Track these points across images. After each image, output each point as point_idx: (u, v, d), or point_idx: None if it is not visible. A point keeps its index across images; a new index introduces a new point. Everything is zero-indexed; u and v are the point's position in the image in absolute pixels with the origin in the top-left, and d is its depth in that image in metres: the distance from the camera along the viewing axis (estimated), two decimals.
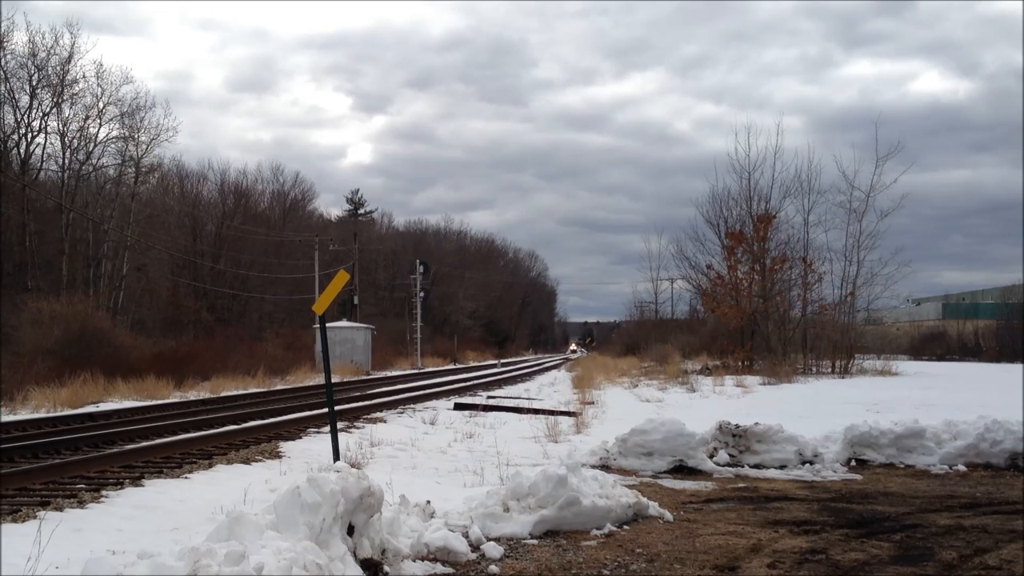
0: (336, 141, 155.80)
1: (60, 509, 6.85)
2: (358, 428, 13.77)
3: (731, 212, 36.74)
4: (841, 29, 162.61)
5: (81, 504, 7.12)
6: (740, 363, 32.47)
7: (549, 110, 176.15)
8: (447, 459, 10.43)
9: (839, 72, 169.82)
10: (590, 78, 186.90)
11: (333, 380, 9.39)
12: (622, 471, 8.86)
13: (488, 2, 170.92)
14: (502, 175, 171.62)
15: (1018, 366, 33.31)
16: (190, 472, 8.92)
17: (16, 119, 36.54)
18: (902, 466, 9.32)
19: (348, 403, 17.69)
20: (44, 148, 38.32)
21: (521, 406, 17.68)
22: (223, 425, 13.74)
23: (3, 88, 35.59)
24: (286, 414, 15.38)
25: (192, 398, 20.82)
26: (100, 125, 38.69)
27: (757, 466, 9.11)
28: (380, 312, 65.17)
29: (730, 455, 9.28)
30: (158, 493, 7.77)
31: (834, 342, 30.28)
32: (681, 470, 8.92)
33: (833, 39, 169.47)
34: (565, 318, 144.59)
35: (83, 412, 16.25)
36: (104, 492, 7.65)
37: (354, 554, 4.74)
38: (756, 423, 9.58)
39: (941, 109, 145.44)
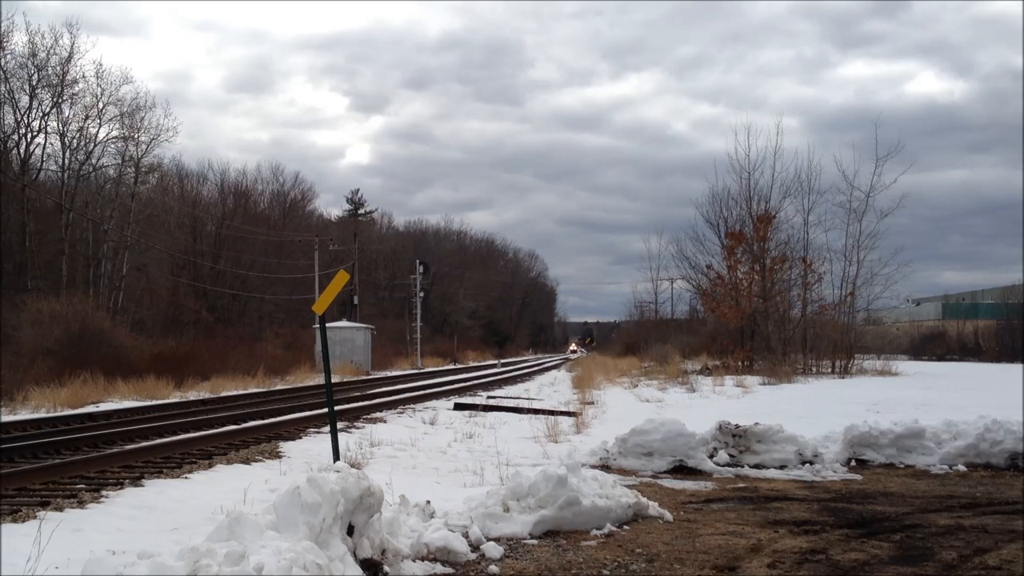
0: (334, 141, 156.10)
1: (60, 509, 6.84)
2: (358, 428, 13.77)
3: (731, 212, 36.75)
4: (836, 30, 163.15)
5: (81, 504, 7.11)
6: (740, 363, 32.46)
7: (546, 110, 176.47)
8: (447, 459, 10.42)
9: (835, 73, 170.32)
10: (587, 79, 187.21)
11: (333, 380, 9.39)
12: (622, 471, 8.86)
13: (484, 3, 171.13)
14: (500, 175, 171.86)
15: (1018, 366, 33.30)
16: (190, 472, 8.92)
17: (16, 119, 36.61)
18: (902, 466, 9.32)
19: (348, 403, 17.68)
20: (44, 148, 38.43)
21: (521, 406, 17.67)
22: (223, 425, 13.73)
23: (3, 88, 35.63)
24: (286, 414, 15.38)
25: (192, 398, 20.81)
26: (100, 125, 38.80)
27: (757, 466, 9.11)
28: (380, 312, 65.19)
29: (730, 455, 9.28)
30: (158, 493, 7.77)
31: (834, 342, 30.27)
32: (681, 470, 8.92)
33: (829, 40, 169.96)
34: (565, 318, 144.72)
35: (83, 412, 16.24)
36: (104, 492, 7.64)
37: (354, 554, 4.74)
38: (756, 423, 9.58)
39: (937, 110, 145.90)
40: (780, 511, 6.87)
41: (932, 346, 54.83)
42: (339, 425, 10.62)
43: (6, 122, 36.24)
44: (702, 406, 16.83)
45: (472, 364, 56.59)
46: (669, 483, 8.30)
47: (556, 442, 11.57)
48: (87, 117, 38.27)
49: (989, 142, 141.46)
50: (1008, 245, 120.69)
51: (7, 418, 14.75)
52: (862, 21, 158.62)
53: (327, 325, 9.97)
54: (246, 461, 9.83)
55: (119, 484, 8.10)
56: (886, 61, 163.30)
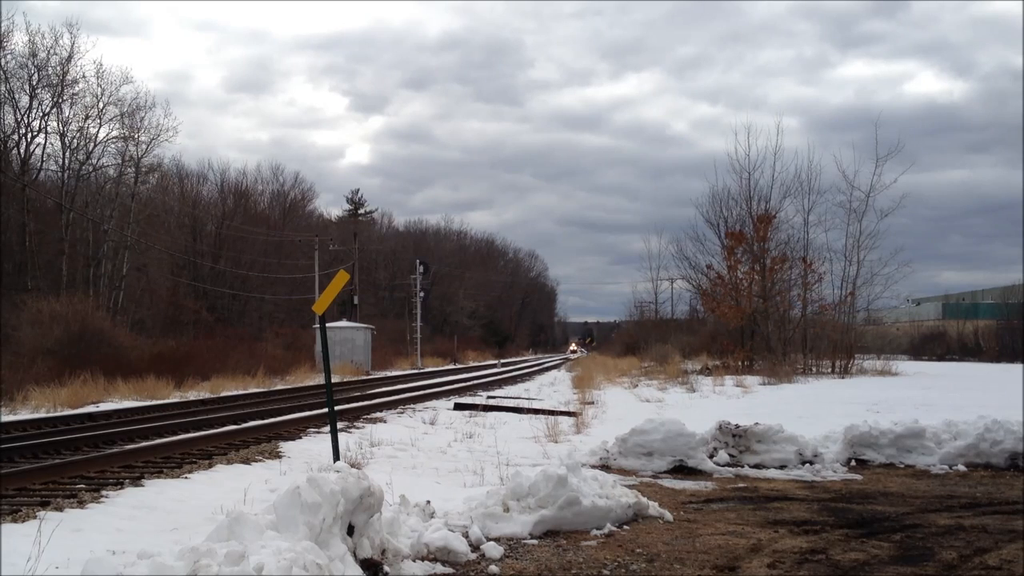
0: (334, 141, 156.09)
1: (60, 509, 6.84)
2: (358, 428, 13.77)
3: (731, 212, 36.76)
4: (836, 30, 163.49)
5: (81, 504, 7.11)
6: (740, 363, 32.46)
7: (545, 111, 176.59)
8: (447, 459, 10.42)
9: (835, 73, 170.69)
10: (586, 79, 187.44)
11: (333, 380, 9.39)
12: (622, 471, 8.86)
13: (484, 3, 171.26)
14: (500, 175, 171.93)
15: (1018, 366, 33.30)
16: (190, 472, 8.92)
17: (16, 119, 36.60)
18: (902, 466, 9.32)
19: (348, 403, 17.68)
20: (44, 148, 38.41)
21: (521, 406, 17.67)
22: (223, 425, 13.73)
23: (3, 88, 35.61)
24: (286, 414, 15.38)
25: (192, 398, 20.81)
26: (100, 125, 38.80)
27: (757, 466, 9.11)
28: (380, 312, 65.18)
29: (730, 455, 9.28)
30: (158, 493, 7.77)
31: (834, 342, 30.27)
32: (681, 470, 8.92)
33: (828, 40, 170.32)
34: (565, 318, 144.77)
35: (83, 412, 16.24)
36: (104, 492, 7.64)
37: (354, 554, 4.74)
38: (756, 423, 9.58)
39: (937, 110, 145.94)
40: (780, 511, 6.87)
41: (932, 346, 54.83)
42: (339, 425, 10.62)
43: (6, 122, 36.31)
44: (702, 406, 16.83)
45: (472, 364, 56.58)
46: (669, 483, 8.30)
47: (556, 442, 11.57)
48: (87, 117, 38.31)
49: (989, 142, 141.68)
50: (1008, 245, 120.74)
51: (7, 418, 14.75)
52: (862, 21, 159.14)
53: (327, 325, 9.97)
54: (246, 461, 9.82)
55: (119, 484, 8.10)
56: (886, 61, 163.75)
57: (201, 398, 20.69)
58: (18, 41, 39.70)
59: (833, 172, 50.60)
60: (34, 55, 36.48)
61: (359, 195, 79.78)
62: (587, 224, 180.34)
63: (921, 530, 6.13)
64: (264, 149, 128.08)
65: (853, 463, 9.42)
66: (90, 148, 38.72)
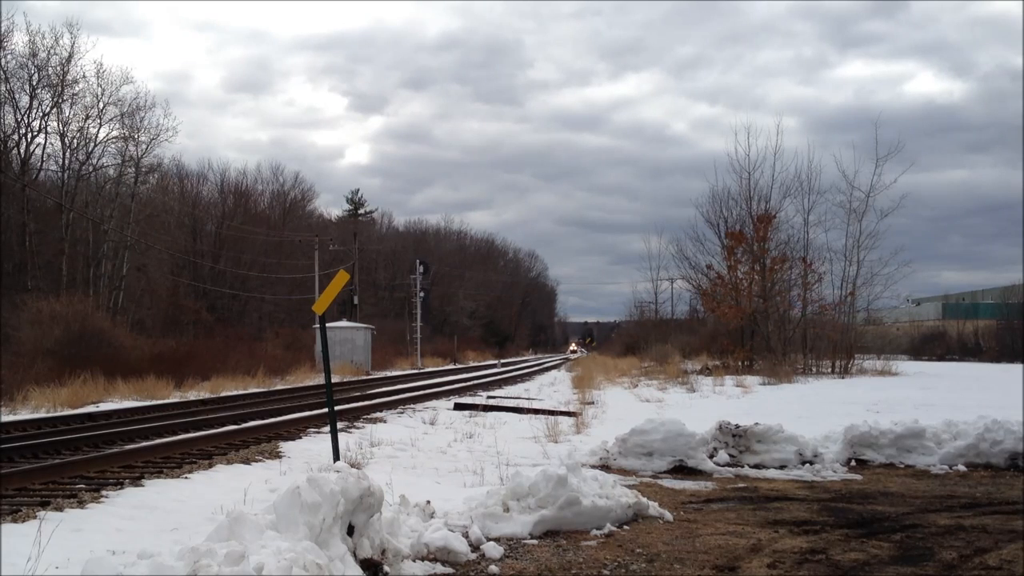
0: (333, 141, 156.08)
1: (60, 509, 6.84)
2: (358, 428, 13.77)
3: (731, 212, 36.82)
4: (835, 30, 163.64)
5: (81, 504, 7.11)
6: (740, 363, 32.48)
7: (545, 111, 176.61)
8: (447, 459, 10.42)
9: (834, 73, 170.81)
10: (586, 79, 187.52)
11: (333, 380, 9.38)
12: (622, 471, 8.86)
13: (483, 3, 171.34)
14: (499, 175, 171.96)
15: (1018, 366, 33.33)
16: (190, 472, 8.91)
17: (16, 119, 36.60)
18: (902, 466, 9.32)
19: (348, 403, 17.67)
20: (44, 148, 38.41)
21: (521, 406, 17.66)
22: (223, 425, 13.73)
23: (3, 88, 35.62)
24: (286, 414, 15.37)
25: (192, 398, 20.80)
26: (100, 125, 38.79)
27: (757, 466, 9.11)
28: (380, 312, 65.19)
29: (730, 455, 9.28)
30: (158, 493, 7.76)
31: (834, 342, 30.30)
32: (681, 470, 8.92)
33: (827, 40, 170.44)
34: (565, 318, 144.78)
35: (83, 412, 16.23)
36: (104, 492, 7.64)
37: (354, 554, 4.74)
38: (756, 423, 9.58)
39: (936, 110, 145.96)
40: (780, 511, 6.87)
41: (932, 346, 54.85)
42: (339, 425, 10.62)
43: (6, 122, 36.31)
44: (702, 406, 16.83)
45: (472, 364, 56.56)
46: (669, 483, 8.30)
47: (556, 442, 11.56)
48: (87, 117, 38.32)
49: (988, 142, 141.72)
50: (1008, 245, 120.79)
51: (7, 418, 14.74)
52: (861, 21, 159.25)
53: (327, 325, 9.98)
54: (246, 461, 9.82)
55: (119, 484, 8.09)
56: (885, 61, 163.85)
57: (201, 398, 20.68)
58: (18, 41, 39.91)
59: (833, 172, 50.83)
60: (34, 55, 36.53)
61: (359, 195, 79.85)
62: (587, 224, 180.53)
63: (921, 530, 6.13)
64: (264, 149, 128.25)
65: (853, 463, 9.42)
66: (90, 148, 38.79)
